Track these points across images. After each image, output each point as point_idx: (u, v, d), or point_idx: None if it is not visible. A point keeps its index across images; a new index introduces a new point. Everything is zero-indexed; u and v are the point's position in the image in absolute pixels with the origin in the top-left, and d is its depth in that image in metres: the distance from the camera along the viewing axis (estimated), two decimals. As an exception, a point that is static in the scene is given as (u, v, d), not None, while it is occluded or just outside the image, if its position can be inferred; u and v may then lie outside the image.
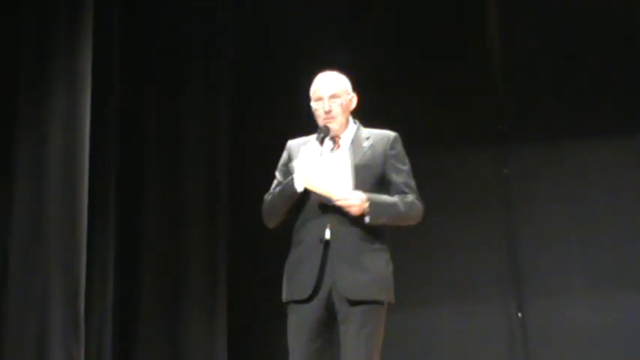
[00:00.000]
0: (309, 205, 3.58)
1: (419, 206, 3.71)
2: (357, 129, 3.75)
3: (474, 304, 5.67)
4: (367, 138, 3.70)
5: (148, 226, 5.79)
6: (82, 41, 5.28)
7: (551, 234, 5.71)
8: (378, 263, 3.59)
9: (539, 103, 5.80)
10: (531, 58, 5.86)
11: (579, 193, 5.73)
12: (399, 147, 3.73)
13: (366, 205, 3.50)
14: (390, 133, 3.75)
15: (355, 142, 3.69)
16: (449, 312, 5.68)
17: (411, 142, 5.63)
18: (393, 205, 3.60)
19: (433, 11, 5.95)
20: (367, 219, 3.52)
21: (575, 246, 5.68)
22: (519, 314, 5.63)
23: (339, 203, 3.49)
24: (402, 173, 3.68)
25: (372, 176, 3.62)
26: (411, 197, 3.66)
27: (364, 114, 5.88)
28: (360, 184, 3.54)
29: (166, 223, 5.79)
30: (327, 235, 3.53)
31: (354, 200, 3.49)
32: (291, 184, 3.56)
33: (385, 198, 3.60)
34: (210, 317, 5.67)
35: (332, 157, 3.55)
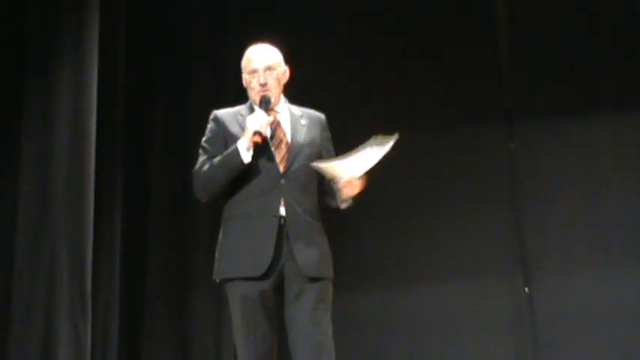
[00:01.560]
0: (255, 178, 3.53)
1: None
2: (288, 104, 3.73)
3: (481, 280, 5.66)
4: (301, 116, 3.69)
5: (154, 207, 5.80)
6: (88, 40, 5.30)
7: (558, 209, 5.69)
8: (324, 240, 3.62)
9: (545, 79, 5.77)
10: (538, 34, 5.82)
11: (586, 169, 5.71)
12: (328, 130, 3.74)
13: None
14: (321, 115, 3.74)
15: (292, 118, 3.67)
16: (456, 289, 5.67)
17: (417, 119, 5.67)
18: None
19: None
20: (344, 204, 3.57)
21: (583, 221, 5.66)
22: (526, 289, 5.63)
23: (345, 183, 3.47)
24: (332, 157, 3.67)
25: (312, 155, 3.61)
26: None
27: (368, 91, 5.88)
28: (302, 161, 3.54)
29: (173, 205, 5.80)
30: (282, 211, 3.50)
31: (359, 187, 3.52)
32: (236, 155, 3.49)
33: None
34: (216, 299, 5.68)
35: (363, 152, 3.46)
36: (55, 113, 5.19)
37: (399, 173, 5.62)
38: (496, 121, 5.81)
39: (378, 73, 5.75)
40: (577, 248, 5.62)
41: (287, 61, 3.75)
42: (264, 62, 3.64)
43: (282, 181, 3.52)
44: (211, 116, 3.71)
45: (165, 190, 5.82)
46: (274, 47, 3.71)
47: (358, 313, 5.58)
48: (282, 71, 3.70)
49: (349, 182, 3.49)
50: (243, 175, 3.52)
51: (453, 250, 5.69)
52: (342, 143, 3.70)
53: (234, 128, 3.61)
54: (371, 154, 3.42)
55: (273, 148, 3.57)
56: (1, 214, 5.21)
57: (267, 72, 3.63)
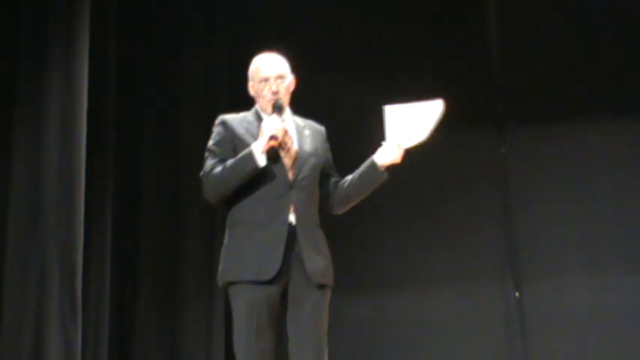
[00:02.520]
0: (263, 185, 3.53)
1: None
2: (292, 115, 3.74)
3: (471, 284, 5.68)
4: (304, 126, 3.71)
5: (146, 209, 5.82)
6: (78, 47, 5.31)
7: (549, 214, 5.70)
8: (327, 248, 3.65)
9: (537, 83, 5.77)
10: (529, 37, 5.81)
11: (577, 173, 5.71)
12: (327, 141, 3.78)
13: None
14: (321, 127, 3.77)
15: (297, 127, 3.70)
16: (446, 292, 5.69)
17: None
18: None
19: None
20: (386, 174, 3.66)
21: (573, 226, 5.67)
22: (517, 294, 5.64)
23: (392, 144, 3.61)
24: (334, 168, 3.76)
25: (317, 165, 3.65)
26: None
27: (359, 93, 5.86)
28: (309, 169, 3.59)
29: (165, 207, 5.82)
30: (292, 218, 3.53)
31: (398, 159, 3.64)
32: (251, 158, 3.49)
33: None
34: (208, 302, 5.69)
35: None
36: (46, 117, 5.18)
37: (389, 178, 5.63)
38: (487, 126, 5.82)
39: (366, 77, 5.74)
40: (568, 253, 5.63)
41: (284, 53, 3.77)
42: (275, 70, 3.66)
43: (292, 189, 3.54)
44: (217, 120, 3.69)
45: (157, 192, 5.83)
46: (282, 56, 3.72)
47: (350, 318, 5.59)
48: (291, 80, 3.72)
49: (395, 144, 3.60)
50: (251, 181, 3.53)
51: (444, 254, 5.70)
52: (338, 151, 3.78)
53: (241, 132, 3.62)
54: (427, 115, 3.68)
55: (282, 155, 3.57)
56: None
57: (279, 80, 3.65)
